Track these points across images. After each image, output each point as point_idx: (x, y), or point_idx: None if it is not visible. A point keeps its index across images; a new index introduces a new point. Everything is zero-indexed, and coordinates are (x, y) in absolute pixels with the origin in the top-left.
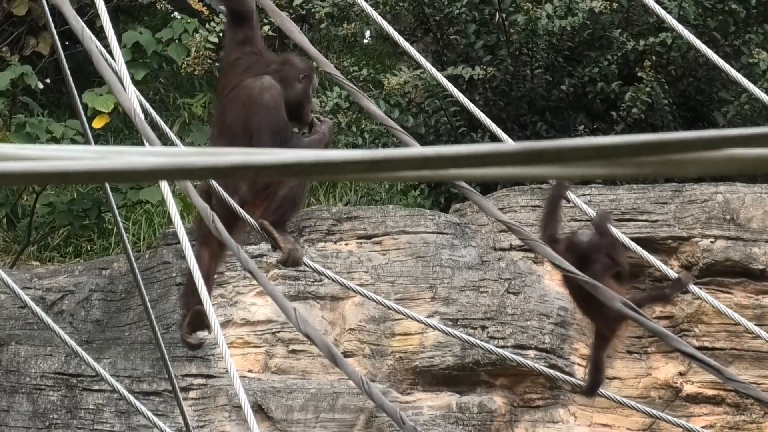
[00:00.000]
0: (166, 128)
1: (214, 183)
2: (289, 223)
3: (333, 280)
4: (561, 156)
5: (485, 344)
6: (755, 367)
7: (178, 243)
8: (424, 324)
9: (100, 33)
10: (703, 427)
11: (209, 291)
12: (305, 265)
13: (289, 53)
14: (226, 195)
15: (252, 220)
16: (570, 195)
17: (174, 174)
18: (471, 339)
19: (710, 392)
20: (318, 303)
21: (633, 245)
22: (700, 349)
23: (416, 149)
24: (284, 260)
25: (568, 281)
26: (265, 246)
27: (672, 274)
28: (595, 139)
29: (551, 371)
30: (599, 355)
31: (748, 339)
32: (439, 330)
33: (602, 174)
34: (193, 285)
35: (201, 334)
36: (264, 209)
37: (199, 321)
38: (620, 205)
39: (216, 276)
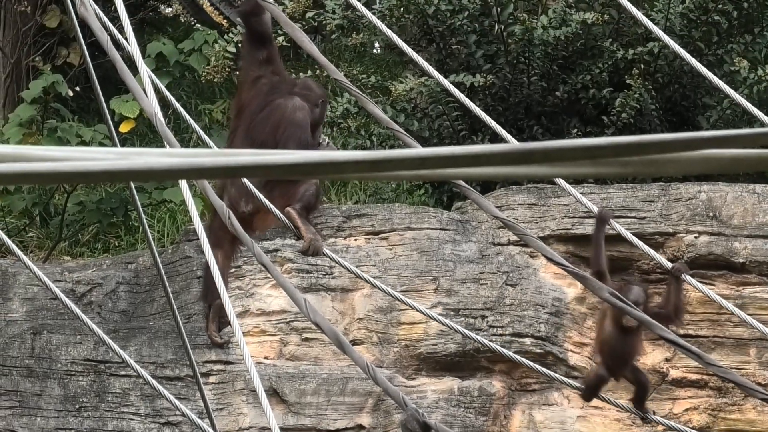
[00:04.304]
0: (195, 125)
1: (241, 182)
2: (313, 215)
3: (348, 270)
4: (550, 156)
5: (477, 336)
6: (736, 354)
7: (198, 239)
8: (426, 315)
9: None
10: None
11: (225, 287)
12: (324, 254)
13: (306, 79)
14: (253, 188)
15: (278, 212)
16: (570, 189)
17: (189, 173)
18: (467, 332)
19: (694, 377)
20: (329, 294)
21: (630, 237)
22: (684, 336)
23: (414, 150)
24: (305, 249)
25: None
26: (279, 241)
27: (664, 262)
28: (581, 140)
29: (542, 368)
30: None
31: (729, 327)
32: (438, 322)
33: (589, 173)
34: (211, 282)
35: (226, 330)
36: (287, 201)
37: (222, 316)
38: (611, 203)
39: (231, 272)
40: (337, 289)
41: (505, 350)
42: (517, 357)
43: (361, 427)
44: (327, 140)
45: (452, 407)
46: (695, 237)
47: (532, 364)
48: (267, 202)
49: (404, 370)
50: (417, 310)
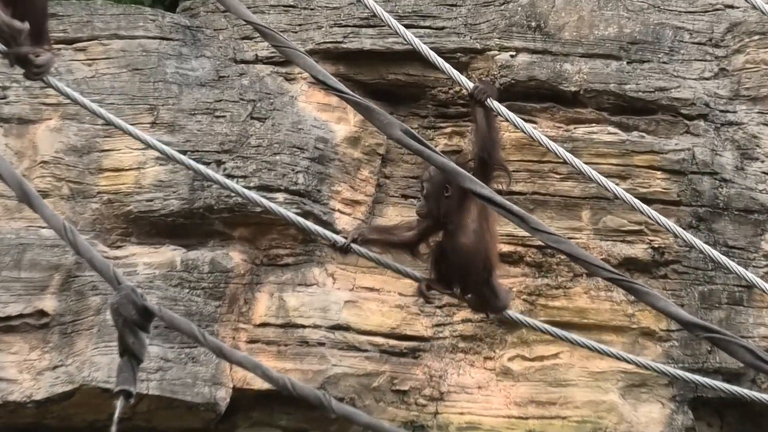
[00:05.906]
0: None
1: None
2: None
3: (47, 84)
4: None
5: (223, 179)
6: (563, 217)
7: None
8: (147, 145)
9: None
10: None
11: None
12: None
13: None
14: None
15: None
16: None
17: None
18: (209, 172)
19: (506, 248)
20: (1, 127)
21: (426, 50)
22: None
23: None
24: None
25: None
26: None
27: (465, 83)
28: None
29: (308, 223)
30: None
31: (554, 181)
32: (163, 154)
33: None
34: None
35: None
36: None
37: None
38: (398, 7)
39: None
40: (12, 119)
41: (256, 196)
42: (278, 208)
43: (42, 313)
44: None
45: (173, 287)
46: (511, 56)
47: (295, 217)
48: None
49: (106, 234)
50: (137, 138)
